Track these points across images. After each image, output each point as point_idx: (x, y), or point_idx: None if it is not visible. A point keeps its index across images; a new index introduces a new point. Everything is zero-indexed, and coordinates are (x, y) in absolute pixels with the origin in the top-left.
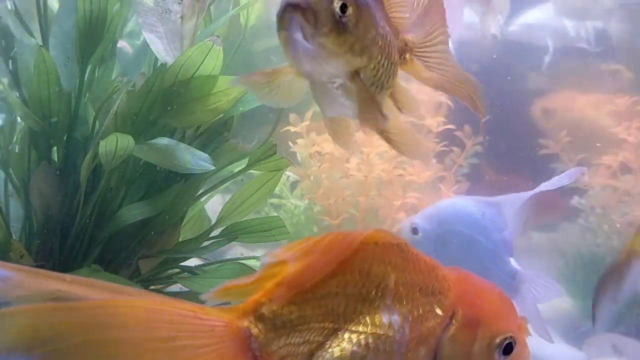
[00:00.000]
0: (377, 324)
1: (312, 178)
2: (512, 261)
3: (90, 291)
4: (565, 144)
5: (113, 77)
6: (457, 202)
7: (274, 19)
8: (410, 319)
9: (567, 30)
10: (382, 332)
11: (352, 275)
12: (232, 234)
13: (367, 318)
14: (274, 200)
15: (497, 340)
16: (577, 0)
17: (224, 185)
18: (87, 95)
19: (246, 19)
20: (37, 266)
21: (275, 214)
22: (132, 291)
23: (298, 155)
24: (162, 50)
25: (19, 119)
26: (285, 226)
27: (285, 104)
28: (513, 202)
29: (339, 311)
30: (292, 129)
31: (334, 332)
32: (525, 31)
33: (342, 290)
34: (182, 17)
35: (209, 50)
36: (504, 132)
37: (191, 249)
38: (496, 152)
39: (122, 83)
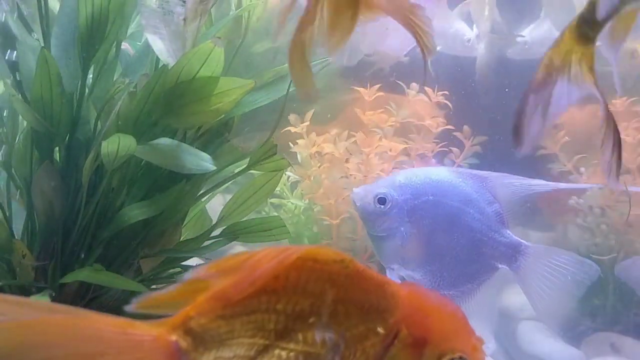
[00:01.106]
0: (309, 341)
1: (312, 178)
2: (510, 234)
3: (16, 310)
4: (564, 145)
5: (115, 78)
6: (432, 172)
7: (275, 20)
8: (347, 337)
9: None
10: (313, 350)
11: (285, 291)
12: (232, 233)
13: (299, 335)
14: (275, 200)
15: None
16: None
17: (224, 185)
18: (89, 96)
19: (247, 21)
20: (39, 266)
21: (276, 214)
22: (59, 308)
23: (298, 155)
24: (165, 52)
25: (21, 119)
26: (285, 226)
27: None
28: (503, 181)
29: (269, 327)
30: (293, 129)
31: (264, 348)
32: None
33: (273, 307)
34: (185, 19)
35: (211, 52)
36: (502, 133)
37: (192, 248)
38: (495, 152)
39: (124, 84)
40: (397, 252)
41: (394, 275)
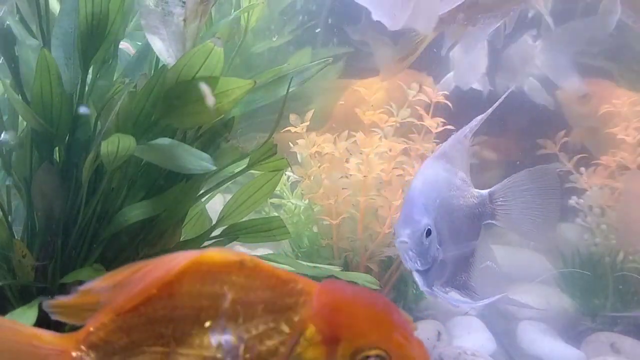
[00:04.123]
0: (205, 345)
1: (312, 178)
2: (478, 191)
3: None
4: (564, 144)
5: (115, 78)
6: (428, 175)
7: (274, 20)
8: (246, 338)
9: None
10: (209, 354)
11: (180, 297)
12: (232, 233)
13: (196, 340)
14: (275, 200)
15: (359, 357)
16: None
17: (224, 185)
18: (89, 96)
19: (247, 21)
20: (39, 266)
21: (276, 214)
22: None
23: (298, 155)
24: (165, 52)
25: (20, 119)
26: (285, 226)
27: None
28: (454, 145)
29: (167, 334)
30: (293, 129)
31: (166, 356)
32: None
33: (169, 313)
34: (184, 20)
35: (210, 52)
36: (502, 133)
37: (192, 248)
38: (495, 152)
39: (123, 84)
40: (439, 274)
41: (440, 293)
